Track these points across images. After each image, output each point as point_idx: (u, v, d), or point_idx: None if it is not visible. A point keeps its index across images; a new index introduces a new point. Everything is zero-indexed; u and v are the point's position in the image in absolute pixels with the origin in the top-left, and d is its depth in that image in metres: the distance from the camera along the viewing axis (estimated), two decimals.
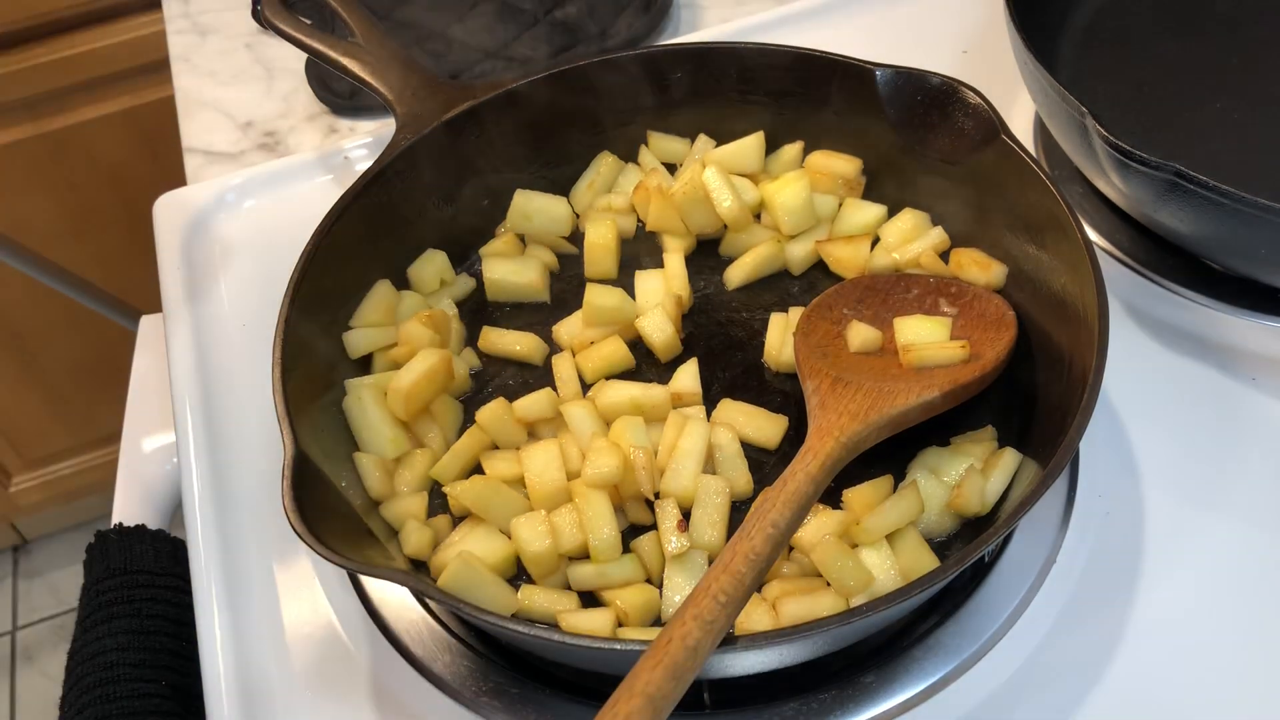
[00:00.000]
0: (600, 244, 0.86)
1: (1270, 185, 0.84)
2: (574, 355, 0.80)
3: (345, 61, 0.87)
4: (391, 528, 0.72)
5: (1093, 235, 0.90)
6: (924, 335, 0.75)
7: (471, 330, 0.84)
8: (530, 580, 0.70)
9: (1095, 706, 0.66)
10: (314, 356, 0.75)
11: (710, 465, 0.73)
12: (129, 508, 0.98)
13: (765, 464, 0.75)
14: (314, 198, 0.98)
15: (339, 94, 1.09)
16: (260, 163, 1.04)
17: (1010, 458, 0.71)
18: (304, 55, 0.89)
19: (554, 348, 0.82)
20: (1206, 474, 0.76)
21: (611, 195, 0.90)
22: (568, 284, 0.87)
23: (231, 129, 1.09)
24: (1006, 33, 0.87)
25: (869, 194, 0.88)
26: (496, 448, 0.76)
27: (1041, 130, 0.99)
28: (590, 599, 0.69)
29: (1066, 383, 0.68)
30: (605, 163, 0.91)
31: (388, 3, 1.17)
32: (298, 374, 0.70)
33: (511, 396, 0.77)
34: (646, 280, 0.84)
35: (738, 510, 0.73)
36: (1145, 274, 0.87)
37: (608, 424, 0.75)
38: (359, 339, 0.79)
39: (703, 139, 0.91)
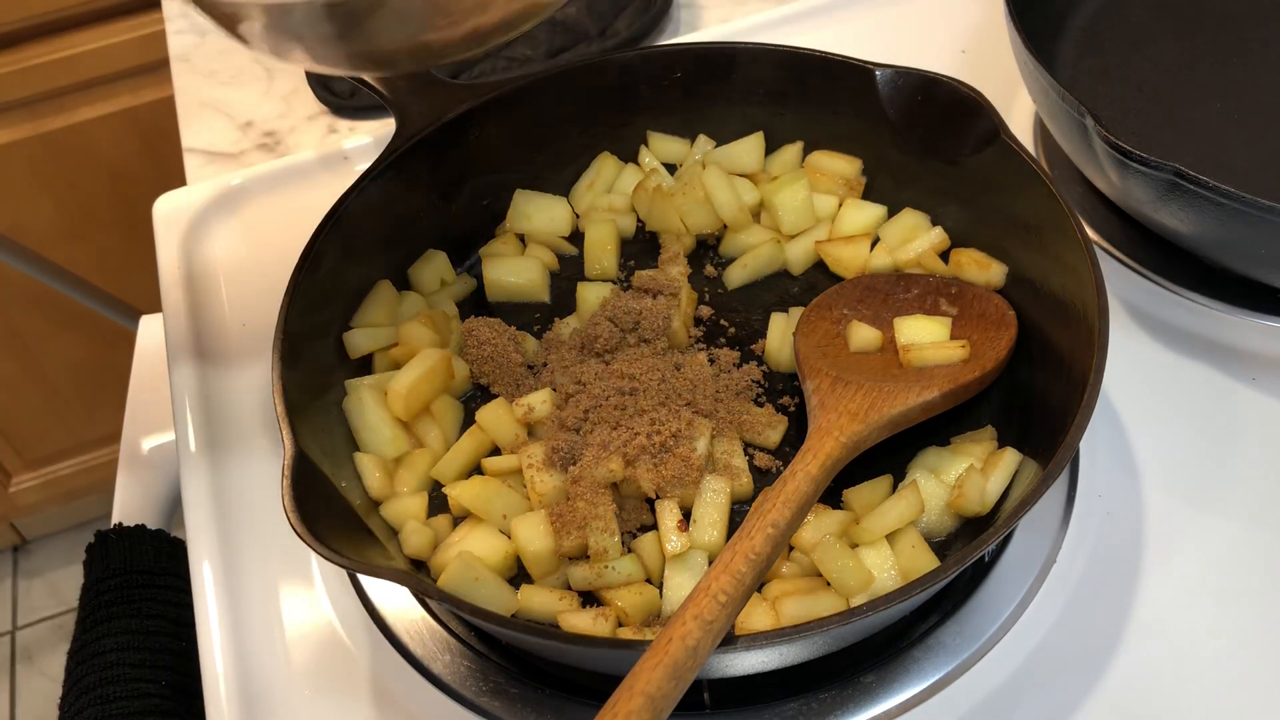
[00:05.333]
0: (600, 244, 0.86)
1: (1270, 185, 0.84)
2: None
3: None
4: (391, 528, 0.72)
5: (1093, 235, 0.90)
6: (924, 335, 0.75)
7: None
8: (530, 580, 0.70)
9: (1095, 706, 0.66)
10: (314, 356, 0.75)
11: (710, 465, 0.73)
12: (129, 508, 0.98)
13: (765, 464, 0.75)
14: (314, 198, 0.98)
15: (339, 94, 1.09)
16: (260, 163, 1.04)
17: (1010, 458, 0.71)
18: None
19: (554, 348, 0.82)
20: (1206, 474, 0.76)
21: (611, 195, 0.90)
22: (568, 284, 0.87)
23: (231, 129, 1.09)
24: (1006, 33, 0.87)
25: (869, 194, 0.88)
26: (497, 448, 0.76)
27: (1041, 130, 0.99)
28: (590, 599, 0.69)
29: (1066, 382, 0.68)
30: (605, 163, 0.91)
31: None
32: (298, 374, 0.70)
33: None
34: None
35: (738, 510, 0.73)
36: (1145, 274, 0.87)
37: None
38: (359, 339, 0.79)
39: (703, 139, 0.91)
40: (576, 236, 0.89)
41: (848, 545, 0.67)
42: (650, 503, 0.71)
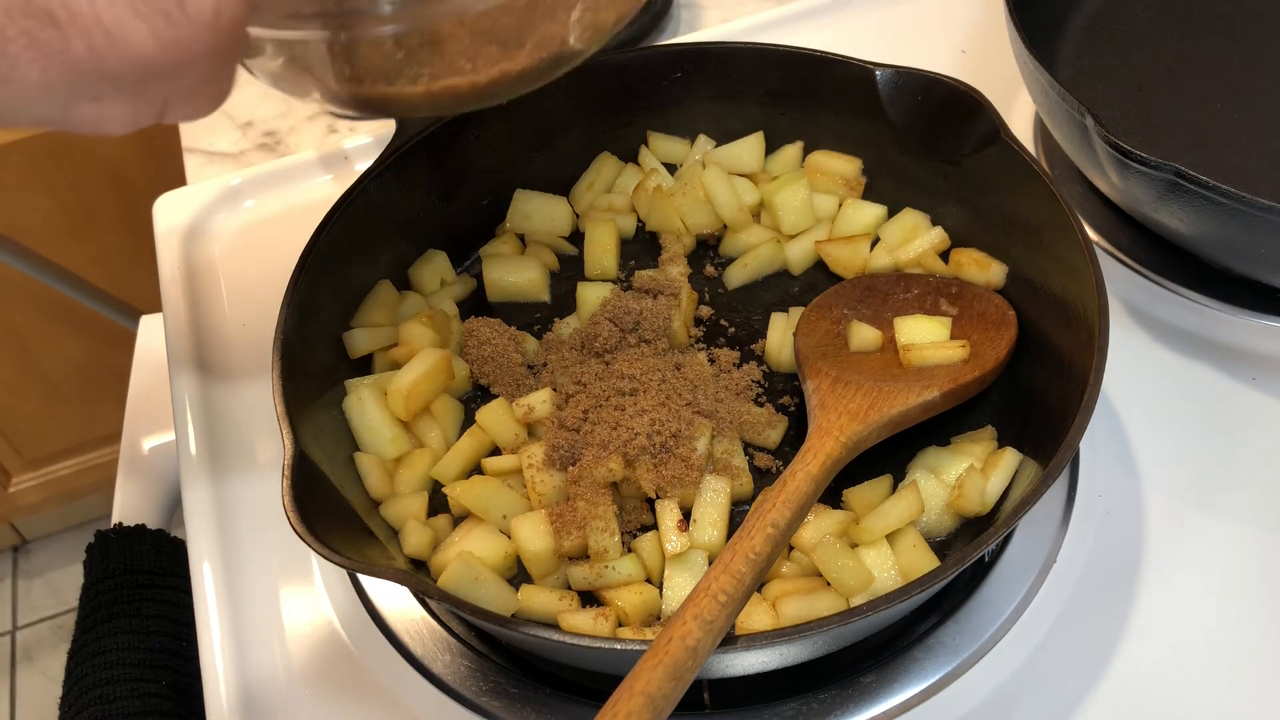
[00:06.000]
0: (600, 244, 0.86)
1: (1270, 185, 0.84)
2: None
3: None
4: (391, 528, 0.72)
5: (1093, 235, 0.90)
6: (924, 335, 0.75)
7: None
8: (530, 580, 0.70)
9: (1095, 706, 0.66)
10: (314, 356, 0.75)
11: (710, 465, 0.73)
12: (129, 508, 0.98)
13: (765, 464, 0.75)
14: (314, 198, 0.98)
15: None
16: (260, 163, 1.04)
17: (1010, 458, 0.71)
18: None
19: (554, 348, 0.82)
20: (1206, 474, 0.76)
21: (611, 195, 0.90)
22: (568, 284, 0.87)
23: (231, 129, 1.09)
24: (1006, 33, 0.87)
25: (869, 194, 0.88)
26: (497, 448, 0.76)
27: (1041, 130, 0.99)
28: (590, 599, 0.69)
29: (1066, 382, 0.68)
30: (605, 163, 0.91)
31: None
32: (298, 374, 0.70)
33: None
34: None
35: (738, 510, 0.73)
36: (1145, 274, 0.87)
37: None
38: (359, 339, 0.79)
39: (703, 139, 0.91)
40: (576, 236, 0.89)
41: (848, 545, 0.67)
42: (650, 503, 0.71)
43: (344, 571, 0.75)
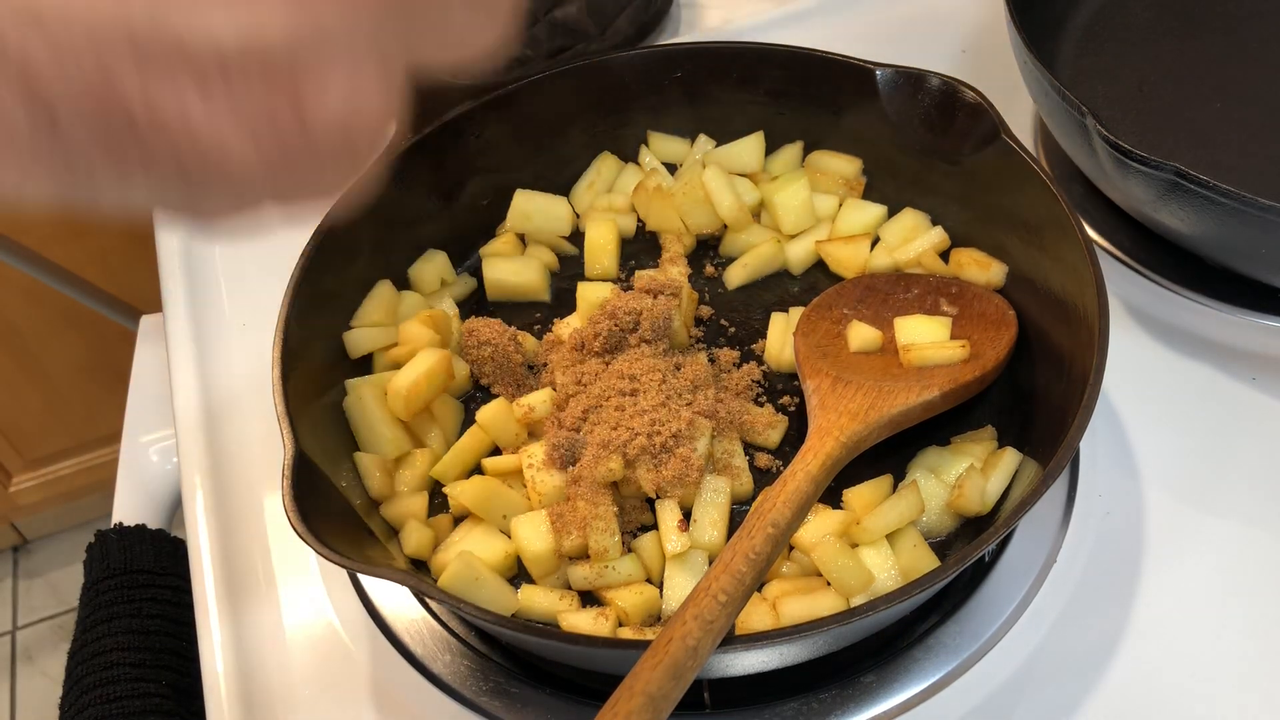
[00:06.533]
0: (600, 244, 0.86)
1: (1270, 185, 0.84)
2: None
3: None
4: (392, 528, 0.72)
5: (1093, 235, 0.90)
6: (924, 335, 0.75)
7: None
8: (530, 580, 0.70)
9: (1095, 706, 0.66)
10: (314, 356, 0.75)
11: (710, 465, 0.73)
12: (129, 508, 0.98)
13: (765, 464, 0.75)
14: None
15: None
16: None
17: (1010, 458, 0.71)
18: None
19: (554, 348, 0.82)
20: (1206, 474, 0.76)
21: (611, 195, 0.90)
22: (568, 284, 0.87)
23: None
24: (1006, 33, 0.87)
25: (869, 194, 0.88)
26: (497, 448, 0.76)
27: (1041, 130, 0.99)
28: (590, 599, 0.69)
29: (1067, 382, 0.68)
30: (605, 163, 0.91)
31: None
32: (298, 374, 0.70)
33: None
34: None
35: (738, 510, 0.73)
36: (1145, 274, 0.87)
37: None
38: (359, 339, 0.79)
39: (703, 139, 0.91)
40: (577, 236, 0.89)
41: (848, 545, 0.67)
42: (650, 503, 0.71)
43: (344, 571, 0.75)
